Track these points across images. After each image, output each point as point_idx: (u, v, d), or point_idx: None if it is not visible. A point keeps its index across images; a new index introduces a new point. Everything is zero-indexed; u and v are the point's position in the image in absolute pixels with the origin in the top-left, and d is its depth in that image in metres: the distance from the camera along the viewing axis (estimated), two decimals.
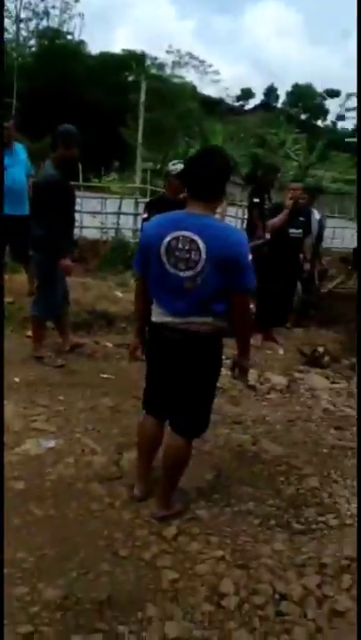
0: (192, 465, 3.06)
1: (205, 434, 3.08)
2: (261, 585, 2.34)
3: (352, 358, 6.08)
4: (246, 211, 7.94)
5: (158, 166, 16.49)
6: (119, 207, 9.42)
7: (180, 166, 4.68)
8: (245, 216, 8.48)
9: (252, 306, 5.58)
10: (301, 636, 2.09)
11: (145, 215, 4.61)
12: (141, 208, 9.54)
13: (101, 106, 23.91)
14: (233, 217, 11.74)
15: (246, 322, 2.67)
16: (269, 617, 2.19)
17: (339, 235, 11.28)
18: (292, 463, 3.54)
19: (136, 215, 9.45)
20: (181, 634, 2.04)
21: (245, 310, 2.59)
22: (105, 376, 4.53)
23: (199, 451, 3.41)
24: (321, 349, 6.04)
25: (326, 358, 5.88)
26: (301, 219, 5.95)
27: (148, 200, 6.95)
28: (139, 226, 9.36)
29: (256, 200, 6.83)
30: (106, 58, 31.71)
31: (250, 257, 2.51)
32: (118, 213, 9.37)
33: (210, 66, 29.96)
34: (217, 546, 2.60)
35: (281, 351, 5.96)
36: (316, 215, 7.06)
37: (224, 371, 3.94)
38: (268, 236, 6.14)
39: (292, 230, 5.88)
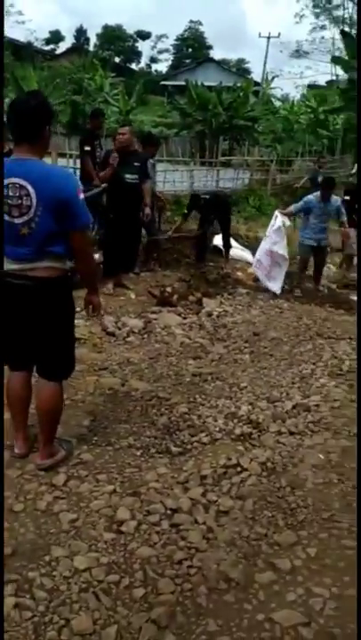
0: (68, 414, 3.15)
1: (73, 382, 3.17)
2: (153, 505, 2.55)
3: (197, 294, 6.49)
4: (79, 161, 7.81)
5: None
6: None
7: None
8: (78, 166, 8.33)
9: (97, 256, 5.64)
10: (196, 538, 2.34)
11: None
12: None
13: None
14: (64, 167, 11.42)
15: (88, 258, 2.74)
16: (165, 530, 2.41)
17: (169, 178, 11.58)
18: (161, 395, 3.78)
19: None
20: (90, 564, 2.18)
21: (85, 247, 2.66)
22: None
23: (73, 400, 3.50)
24: (169, 289, 6.34)
25: (175, 297, 6.19)
26: (136, 164, 5.99)
27: None
28: None
29: (87, 148, 6.75)
30: None
31: (81, 196, 2.56)
32: None
33: (11, 6, 27.88)
34: (106, 482, 2.74)
35: (133, 295, 6.14)
36: (151, 159, 7.17)
37: (81, 322, 4.02)
38: (103, 184, 6.14)
39: (127, 176, 5.92)
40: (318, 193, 7.11)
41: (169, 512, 2.52)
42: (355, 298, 7.34)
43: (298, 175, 14.67)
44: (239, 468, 2.90)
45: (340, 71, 27.25)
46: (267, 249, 7.01)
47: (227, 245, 8.15)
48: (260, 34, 36.07)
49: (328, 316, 6.12)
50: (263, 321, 5.67)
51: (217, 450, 3.11)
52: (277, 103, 35.08)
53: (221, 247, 8.34)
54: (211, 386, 4.04)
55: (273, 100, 34.58)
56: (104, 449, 3.08)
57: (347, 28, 22.60)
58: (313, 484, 2.76)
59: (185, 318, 5.63)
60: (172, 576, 2.14)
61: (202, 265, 7.95)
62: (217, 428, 3.38)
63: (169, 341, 4.89)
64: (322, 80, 30.33)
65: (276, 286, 6.99)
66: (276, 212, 7.23)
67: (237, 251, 8.43)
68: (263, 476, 2.84)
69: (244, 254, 8.48)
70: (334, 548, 2.29)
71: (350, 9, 25.48)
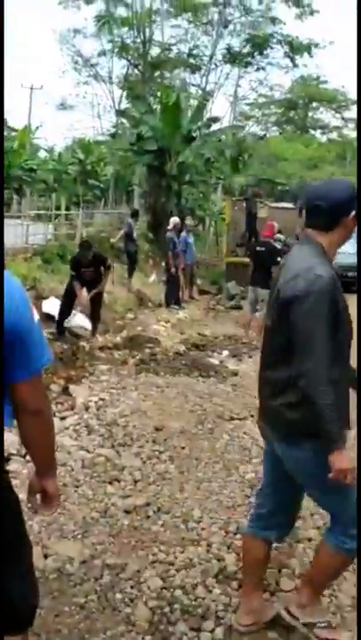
0: None
1: None
2: None
3: (59, 380, 5.30)
4: None
5: None
6: None
7: None
8: None
9: None
10: None
11: None
12: None
13: None
14: None
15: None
16: None
17: None
18: (110, 562, 2.65)
19: None
20: None
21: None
22: None
23: None
24: None
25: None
26: None
27: None
28: None
29: None
30: None
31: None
32: None
33: None
34: None
35: None
36: None
37: None
38: None
39: None
40: None
41: None
42: (215, 361, 6.89)
43: (100, 228, 14.11)
44: None
45: (105, 124, 28.31)
46: None
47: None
48: (22, 84, 35.11)
49: (209, 388, 5.51)
50: (152, 407, 4.77)
51: None
52: (42, 153, 34.89)
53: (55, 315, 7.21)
54: (159, 525, 3.01)
55: (39, 150, 34.23)
56: None
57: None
58: None
59: (63, 419, 4.42)
60: None
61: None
62: (219, 606, 2.39)
63: (65, 461, 3.67)
64: (89, 132, 30.75)
65: None
66: None
67: (77, 318, 7.34)
68: None
69: (85, 322, 7.44)
70: None
71: (111, 68, 26.36)
